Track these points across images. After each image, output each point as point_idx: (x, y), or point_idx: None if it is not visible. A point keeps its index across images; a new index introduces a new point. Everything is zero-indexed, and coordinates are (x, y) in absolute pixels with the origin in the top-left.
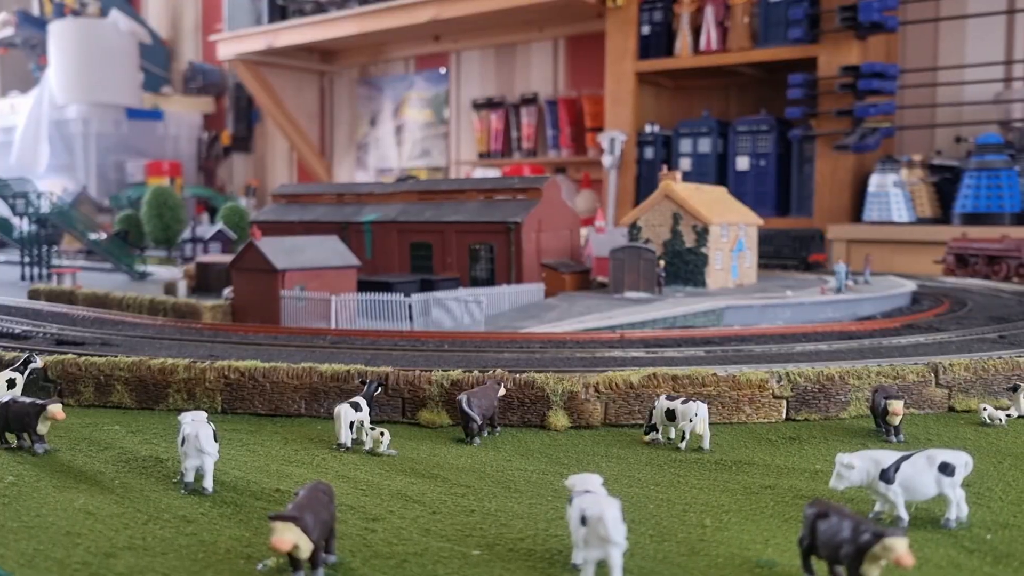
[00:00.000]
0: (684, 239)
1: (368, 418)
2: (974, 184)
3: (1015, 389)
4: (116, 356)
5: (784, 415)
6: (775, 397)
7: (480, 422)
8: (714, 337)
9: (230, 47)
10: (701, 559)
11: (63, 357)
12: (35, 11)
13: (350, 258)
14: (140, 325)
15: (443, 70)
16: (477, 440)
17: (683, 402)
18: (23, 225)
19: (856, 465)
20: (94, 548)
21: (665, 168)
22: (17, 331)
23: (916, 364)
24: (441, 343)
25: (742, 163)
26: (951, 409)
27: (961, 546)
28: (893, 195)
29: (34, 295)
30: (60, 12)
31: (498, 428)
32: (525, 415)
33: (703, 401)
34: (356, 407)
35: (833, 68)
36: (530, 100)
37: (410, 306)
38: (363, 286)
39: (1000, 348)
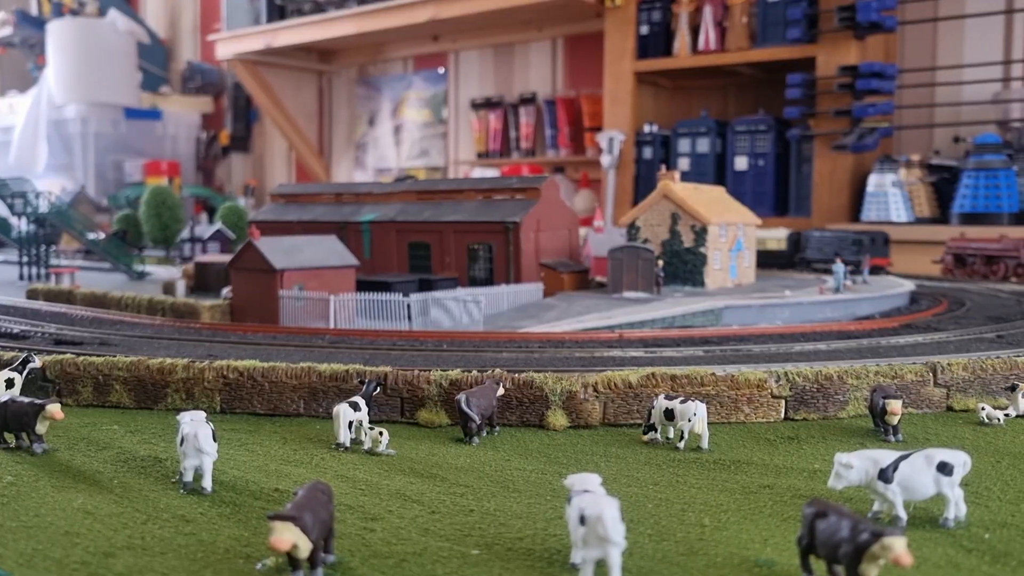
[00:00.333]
0: (683, 239)
1: (367, 418)
2: (972, 184)
3: (1013, 388)
4: (115, 356)
5: (783, 415)
6: (774, 397)
7: (479, 422)
8: (713, 337)
9: (228, 47)
10: (700, 558)
11: (61, 357)
12: (33, 11)
13: (349, 258)
14: (139, 325)
15: (441, 70)
16: (476, 440)
17: (682, 402)
18: (21, 225)
19: (855, 464)
20: (93, 548)
21: (664, 168)
22: (15, 331)
23: (914, 364)
24: (440, 343)
25: (740, 163)
26: (949, 409)
27: (959, 545)
28: (891, 195)
29: (32, 295)
30: (58, 12)
31: (497, 428)
32: (524, 415)
33: (702, 401)
34: (355, 407)
35: (831, 68)
36: (528, 100)
37: (409, 306)
38: (361, 286)
39: (998, 348)
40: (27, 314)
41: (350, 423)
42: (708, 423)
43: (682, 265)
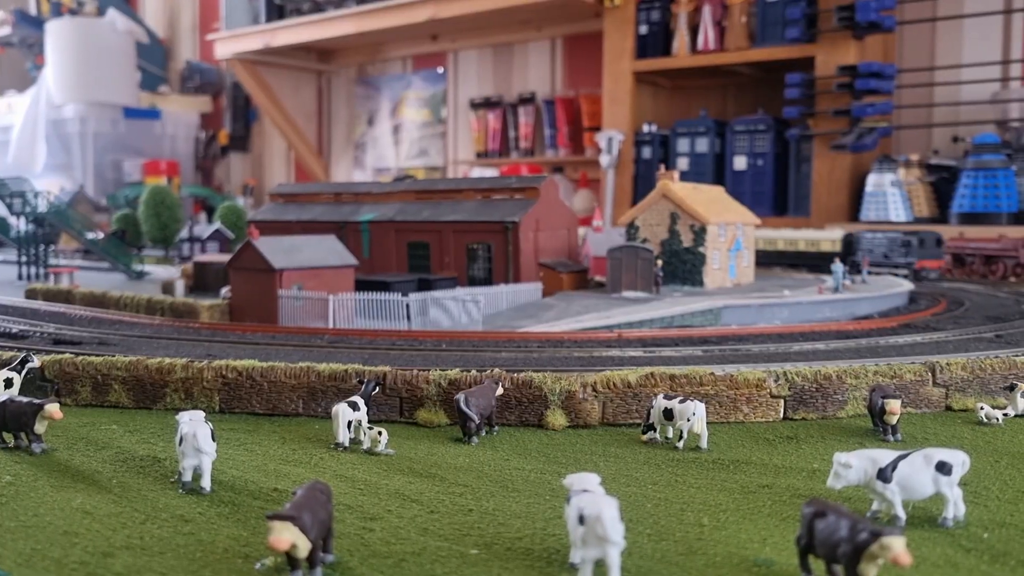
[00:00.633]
0: (682, 238)
1: (366, 417)
2: (971, 184)
3: (1012, 388)
4: (113, 355)
5: (782, 414)
6: (773, 396)
7: (478, 421)
8: (712, 336)
9: (227, 46)
10: (699, 558)
11: (60, 356)
12: (32, 10)
13: (348, 257)
14: (137, 324)
15: (441, 70)
16: (475, 439)
17: (681, 401)
18: (20, 224)
19: (854, 464)
20: (92, 547)
21: (663, 168)
22: (14, 330)
23: (913, 363)
24: (439, 342)
25: (739, 163)
26: (948, 408)
27: (958, 545)
28: (890, 195)
29: (31, 294)
30: (57, 11)
31: (496, 427)
32: (523, 414)
33: (701, 400)
34: (354, 406)
35: (830, 68)
36: (527, 100)
37: (408, 305)
38: (361, 285)
39: (997, 347)
40: (26, 314)
41: (349, 423)
42: (707, 423)
43: (681, 265)
